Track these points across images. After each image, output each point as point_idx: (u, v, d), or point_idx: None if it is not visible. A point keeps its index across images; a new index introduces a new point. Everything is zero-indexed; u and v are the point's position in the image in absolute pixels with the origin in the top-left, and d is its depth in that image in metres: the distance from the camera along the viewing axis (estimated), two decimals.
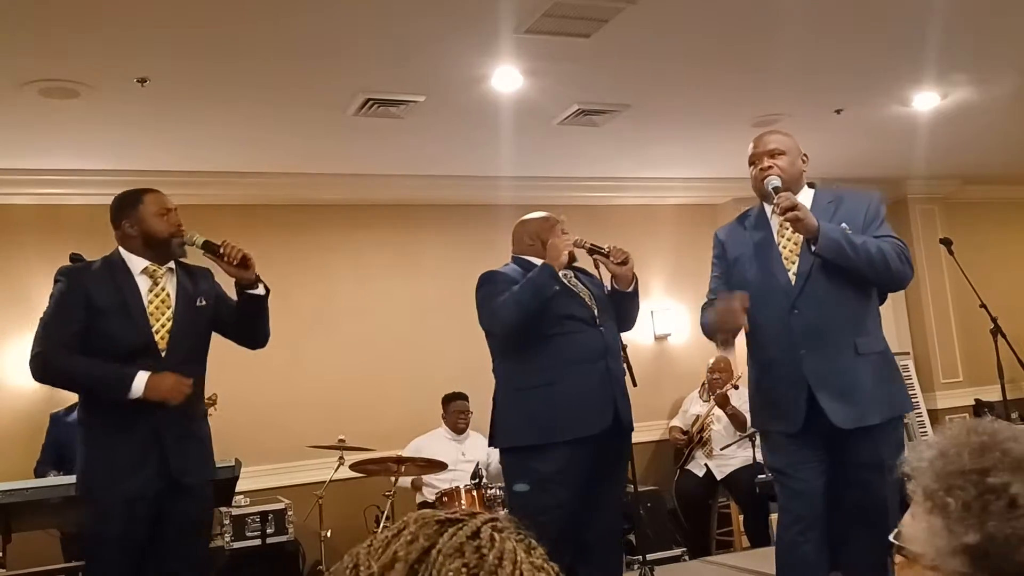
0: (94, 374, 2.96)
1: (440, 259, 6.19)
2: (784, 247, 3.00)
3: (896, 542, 1.03)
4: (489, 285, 3.51)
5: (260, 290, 3.15)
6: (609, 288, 3.63)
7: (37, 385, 3.06)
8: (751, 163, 3.08)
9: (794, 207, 2.80)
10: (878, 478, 2.85)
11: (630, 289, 3.57)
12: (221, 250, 3.06)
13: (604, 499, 3.44)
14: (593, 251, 3.54)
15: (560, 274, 3.47)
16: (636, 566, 4.49)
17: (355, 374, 5.82)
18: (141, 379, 2.90)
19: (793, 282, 2.93)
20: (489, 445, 3.71)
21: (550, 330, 3.36)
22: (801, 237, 2.93)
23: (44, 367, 3.01)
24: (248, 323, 3.22)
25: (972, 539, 0.92)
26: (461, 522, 0.76)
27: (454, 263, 6.02)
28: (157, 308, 3.04)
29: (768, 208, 3.07)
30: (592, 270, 3.72)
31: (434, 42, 4.01)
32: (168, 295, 3.08)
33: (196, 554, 3.11)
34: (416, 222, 6.24)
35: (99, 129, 4.73)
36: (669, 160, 6.30)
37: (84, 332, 2.98)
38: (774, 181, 2.93)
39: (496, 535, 0.75)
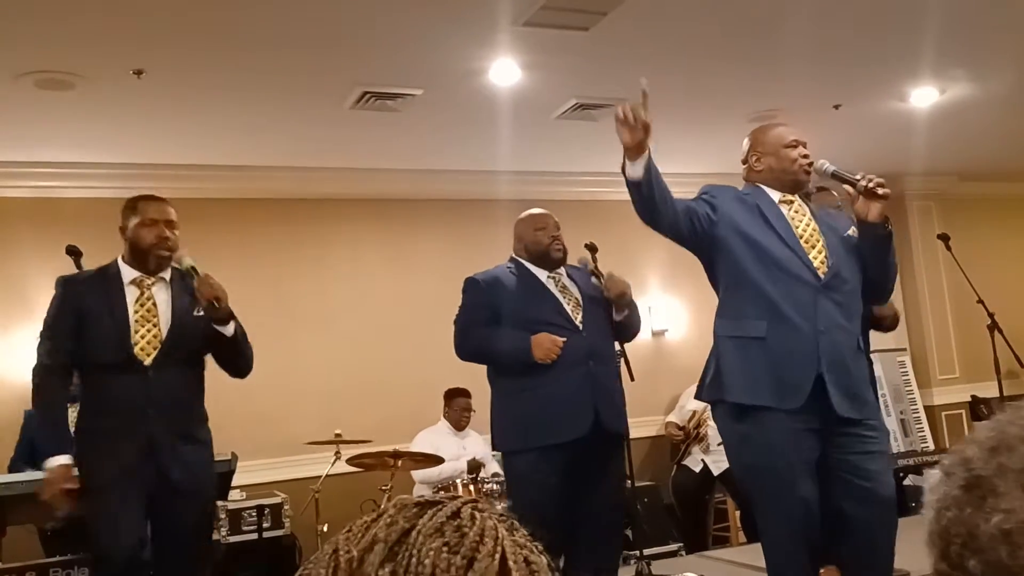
0: (46, 417, 3.08)
1: (437, 254, 6.18)
2: (805, 229, 2.96)
3: None
4: (465, 297, 3.62)
5: (228, 330, 3.09)
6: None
7: (23, 380, 3.08)
8: (790, 145, 3.01)
9: (884, 185, 2.80)
10: (879, 466, 2.86)
11: (619, 319, 3.60)
12: (196, 283, 3.03)
13: (594, 500, 3.42)
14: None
15: (549, 275, 3.56)
16: (632, 561, 4.49)
17: (351, 368, 5.81)
18: (51, 463, 2.92)
19: (823, 270, 2.89)
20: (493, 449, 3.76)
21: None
22: (817, 227, 2.95)
23: (34, 385, 3.11)
24: (220, 353, 3.20)
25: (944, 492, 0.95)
26: (441, 504, 0.75)
27: (451, 258, 6.00)
28: (143, 318, 3.03)
29: (775, 195, 3.01)
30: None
31: (432, 35, 3.99)
32: (155, 305, 3.07)
33: (191, 555, 3.08)
34: (413, 216, 6.22)
35: (95, 121, 4.71)
36: (666, 155, 6.24)
37: (79, 338, 3.05)
38: (829, 165, 2.96)
39: (477, 514, 0.75)
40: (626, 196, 7.20)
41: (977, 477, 0.88)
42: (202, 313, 3.12)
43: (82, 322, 3.03)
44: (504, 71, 4.43)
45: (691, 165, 6.57)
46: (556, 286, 3.56)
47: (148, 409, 2.96)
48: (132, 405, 2.95)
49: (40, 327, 3.13)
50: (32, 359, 3.11)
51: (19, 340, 5.07)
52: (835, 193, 2.89)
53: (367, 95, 4.61)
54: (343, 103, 4.71)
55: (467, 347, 3.55)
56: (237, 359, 3.21)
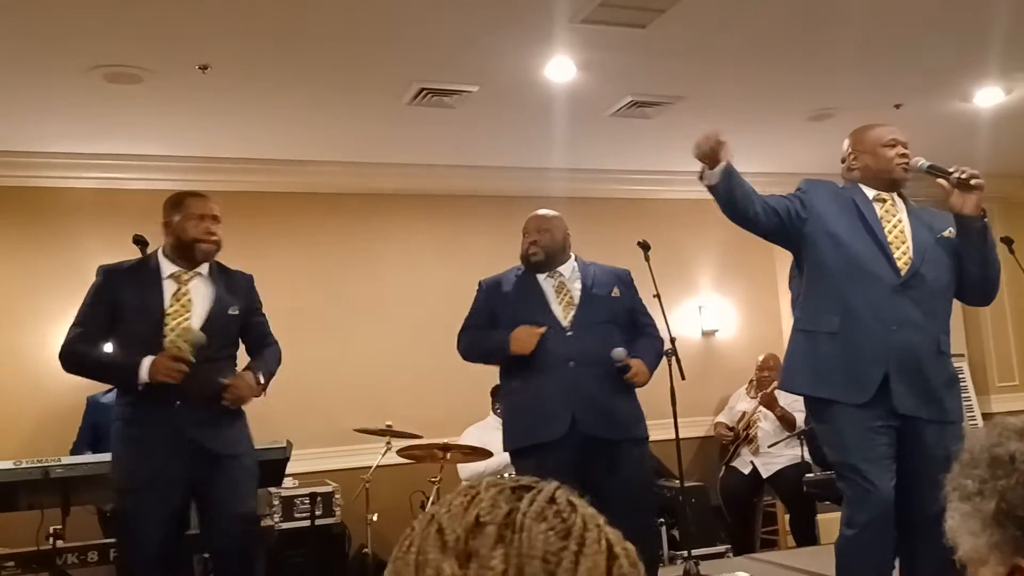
0: (104, 361, 3.17)
1: (490, 250, 6.17)
2: (890, 232, 2.98)
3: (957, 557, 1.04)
4: (474, 299, 3.75)
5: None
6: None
7: None
8: (888, 144, 3.06)
9: (978, 176, 2.81)
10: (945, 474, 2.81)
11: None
12: (224, 393, 3.16)
13: (608, 506, 3.34)
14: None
15: (546, 276, 3.59)
16: (680, 560, 4.48)
17: (403, 361, 5.87)
18: (145, 365, 3.01)
19: (905, 269, 2.91)
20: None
21: None
22: (907, 226, 2.98)
23: (64, 356, 3.17)
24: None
25: (990, 506, 0.96)
26: (535, 488, 0.77)
27: (503, 254, 5.96)
28: (177, 312, 3.11)
29: (870, 192, 3.05)
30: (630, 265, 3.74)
31: (489, 32, 4.02)
32: (190, 300, 3.15)
33: (242, 515, 3.15)
34: (467, 212, 6.26)
35: (159, 115, 4.83)
36: None
37: (111, 328, 3.16)
38: (924, 161, 2.98)
39: (573, 500, 0.77)
40: (679, 195, 7.23)
41: None
42: (238, 312, 3.22)
43: (116, 314, 3.14)
44: (560, 68, 4.43)
45: (747, 164, 6.46)
46: (553, 285, 3.59)
47: (178, 399, 3.06)
48: (165, 397, 3.04)
49: None
50: None
51: None
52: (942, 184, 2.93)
53: (424, 91, 4.66)
54: (400, 99, 4.76)
55: (461, 348, 3.71)
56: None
